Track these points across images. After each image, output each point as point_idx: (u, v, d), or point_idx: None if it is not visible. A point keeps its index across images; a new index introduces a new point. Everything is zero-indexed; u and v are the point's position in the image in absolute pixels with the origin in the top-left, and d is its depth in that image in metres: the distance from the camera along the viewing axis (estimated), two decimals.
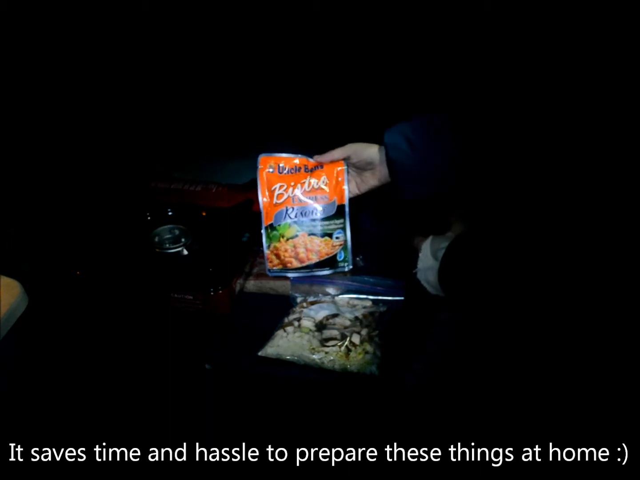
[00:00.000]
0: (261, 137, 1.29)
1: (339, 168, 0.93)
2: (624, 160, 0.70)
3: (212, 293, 0.92)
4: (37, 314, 0.77)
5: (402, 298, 0.93)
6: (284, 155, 0.94)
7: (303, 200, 0.94)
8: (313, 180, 0.94)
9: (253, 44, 1.20)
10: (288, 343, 0.87)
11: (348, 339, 0.86)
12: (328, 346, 0.86)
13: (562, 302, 0.71)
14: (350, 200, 0.95)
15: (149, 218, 1.06)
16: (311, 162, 0.94)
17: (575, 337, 0.71)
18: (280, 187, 0.93)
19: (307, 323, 0.90)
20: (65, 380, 0.84)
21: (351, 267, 0.98)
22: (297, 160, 0.94)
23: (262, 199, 0.93)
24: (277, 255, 0.95)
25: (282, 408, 0.80)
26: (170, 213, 1.07)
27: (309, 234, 0.94)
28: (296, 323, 0.90)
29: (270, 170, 0.93)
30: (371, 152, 0.88)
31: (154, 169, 1.22)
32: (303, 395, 0.82)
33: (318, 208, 0.94)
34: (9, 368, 0.76)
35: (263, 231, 0.94)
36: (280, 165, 0.93)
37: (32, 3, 1.12)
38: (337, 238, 0.96)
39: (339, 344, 0.86)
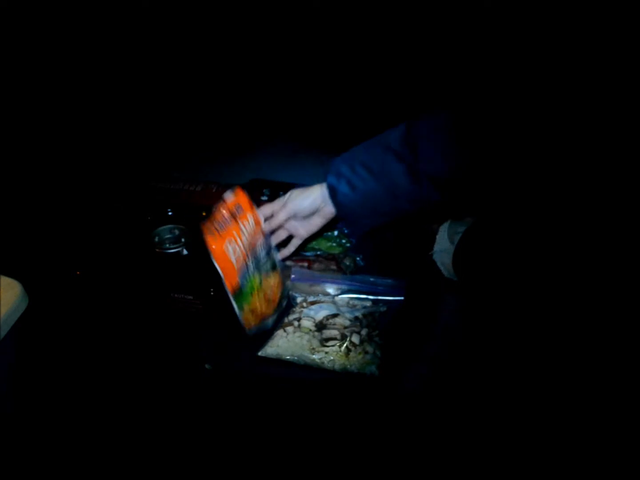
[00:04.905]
0: (261, 138, 1.29)
1: (244, 195, 0.86)
2: (624, 157, 0.70)
3: (212, 293, 0.91)
4: (37, 314, 0.77)
5: (402, 298, 0.93)
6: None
7: (251, 247, 0.85)
8: (245, 223, 0.84)
9: (254, 46, 1.20)
10: (288, 343, 0.87)
11: (348, 339, 0.86)
12: (328, 346, 0.86)
13: (573, 298, 0.71)
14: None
15: (149, 218, 1.06)
16: (229, 203, 0.83)
17: (582, 334, 0.72)
18: (233, 249, 0.81)
19: (307, 323, 0.90)
20: (66, 380, 0.84)
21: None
22: (222, 210, 0.82)
23: (225, 279, 0.81)
24: (254, 311, 0.87)
25: (282, 408, 0.80)
26: (170, 213, 1.07)
27: (265, 273, 0.89)
28: (296, 323, 0.90)
29: (214, 236, 0.80)
30: (313, 199, 0.85)
31: (154, 169, 1.22)
32: (303, 395, 0.82)
33: (260, 246, 0.87)
34: (9, 368, 0.76)
35: (234, 302, 0.83)
36: (215, 224, 0.81)
37: (33, 3, 1.12)
38: (279, 262, 0.92)
39: (339, 344, 0.86)
